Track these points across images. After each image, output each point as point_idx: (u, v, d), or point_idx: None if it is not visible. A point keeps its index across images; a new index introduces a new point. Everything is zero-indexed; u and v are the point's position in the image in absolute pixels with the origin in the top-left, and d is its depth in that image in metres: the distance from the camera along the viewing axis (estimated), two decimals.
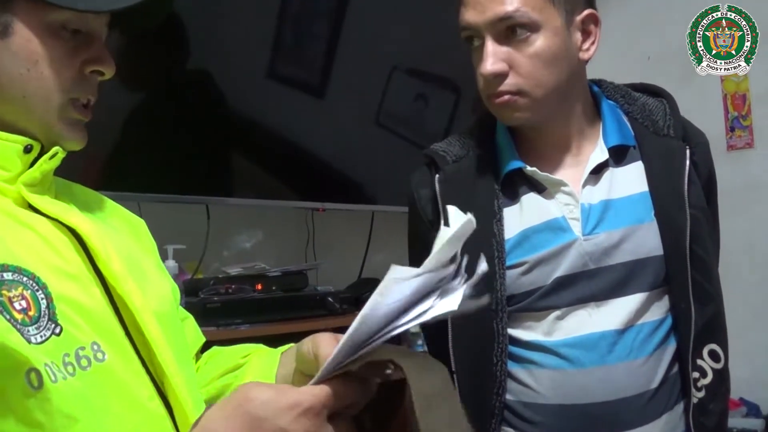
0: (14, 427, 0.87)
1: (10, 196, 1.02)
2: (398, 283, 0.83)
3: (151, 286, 1.10)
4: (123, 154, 2.22)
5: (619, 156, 1.49)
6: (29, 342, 0.88)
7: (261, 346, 1.28)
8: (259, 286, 2.41)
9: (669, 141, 1.49)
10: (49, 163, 1.04)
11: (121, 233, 1.17)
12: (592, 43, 1.47)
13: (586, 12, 1.45)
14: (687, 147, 1.48)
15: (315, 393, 0.81)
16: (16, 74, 1.01)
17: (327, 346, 1.01)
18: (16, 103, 1.02)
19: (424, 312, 0.85)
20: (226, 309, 2.25)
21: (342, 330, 0.95)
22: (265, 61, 2.62)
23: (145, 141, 2.28)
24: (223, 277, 2.43)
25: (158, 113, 2.34)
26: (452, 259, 0.89)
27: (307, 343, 1.05)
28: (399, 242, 1.69)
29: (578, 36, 1.44)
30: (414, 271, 0.84)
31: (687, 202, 1.43)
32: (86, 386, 0.91)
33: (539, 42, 1.39)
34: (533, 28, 1.39)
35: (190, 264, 2.47)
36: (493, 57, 1.39)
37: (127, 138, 2.23)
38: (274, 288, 2.44)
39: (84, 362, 0.92)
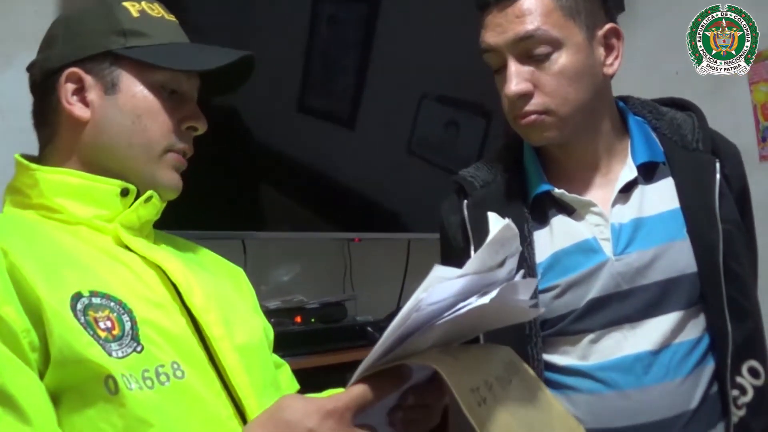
0: (93, 426, 0.97)
1: (109, 234, 1.16)
2: (441, 282, 0.87)
3: (239, 319, 1.21)
4: None
5: (648, 173, 1.48)
6: (110, 355, 0.98)
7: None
8: (298, 319, 2.42)
9: (698, 155, 1.47)
10: (145, 206, 1.17)
11: (217, 277, 1.29)
12: (616, 57, 1.45)
13: (608, 26, 1.44)
14: (717, 160, 1.45)
15: (339, 398, 0.90)
16: (123, 126, 1.17)
17: None
18: (120, 151, 1.17)
19: (462, 308, 0.89)
20: None
21: None
22: (295, 95, 2.64)
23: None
24: (262, 311, 2.43)
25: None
26: (501, 264, 0.92)
27: None
28: None
29: (601, 51, 1.43)
30: (457, 272, 0.88)
31: (718, 217, 1.41)
32: (164, 399, 1.00)
33: (562, 59, 1.38)
34: (555, 45, 1.38)
35: None
36: (516, 77, 1.39)
37: None
38: (313, 320, 2.44)
39: (163, 378, 1.02)
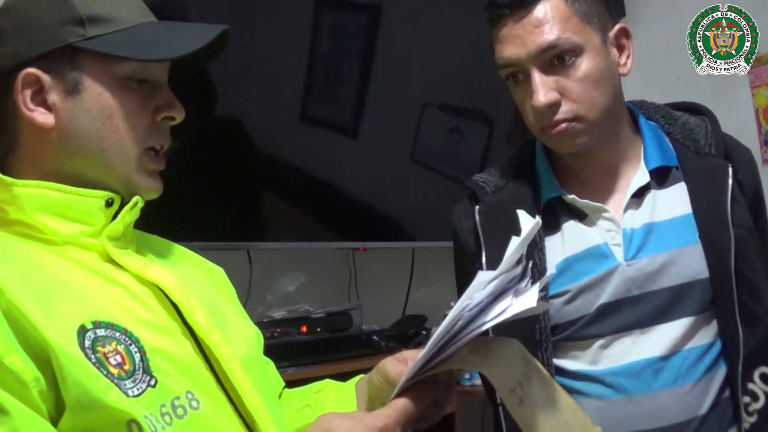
0: None
1: (95, 250, 1.05)
2: (483, 286, 0.87)
3: (235, 332, 1.14)
4: (161, 203, 2.24)
5: (661, 178, 1.47)
6: (127, 395, 0.91)
7: (331, 381, 1.31)
8: (304, 329, 2.41)
9: (711, 160, 1.46)
10: (130, 213, 1.08)
11: (200, 282, 1.20)
12: (628, 56, 1.46)
13: (617, 27, 1.45)
14: (729, 165, 1.45)
15: (387, 414, 0.88)
16: (92, 130, 1.05)
17: (394, 367, 1.09)
18: (94, 158, 1.06)
19: (504, 311, 0.89)
20: (272, 353, 2.21)
21: None
22: (298, 105, 2.65)
23: (183, 189, 2.30)
24: (267, 321, 2.43)
25: (195, 161, 2.36)
26: (518, 261, 0.93)
27: (374, 373, 1.12)
28: (441, 277, 1.69)
29: (615, 52, 1.44)
30: (493, 273, 0.88)
31: (731, 222, 1.40)
32: None
33: (585, 64, 1.38)
34: (577, 52, 1.38)
35: None
36: (543, 88, 1.37)
37: (164, 187, 2.25)
38: (318, 329, 2.44)
39: (180, 411, 0.96)
